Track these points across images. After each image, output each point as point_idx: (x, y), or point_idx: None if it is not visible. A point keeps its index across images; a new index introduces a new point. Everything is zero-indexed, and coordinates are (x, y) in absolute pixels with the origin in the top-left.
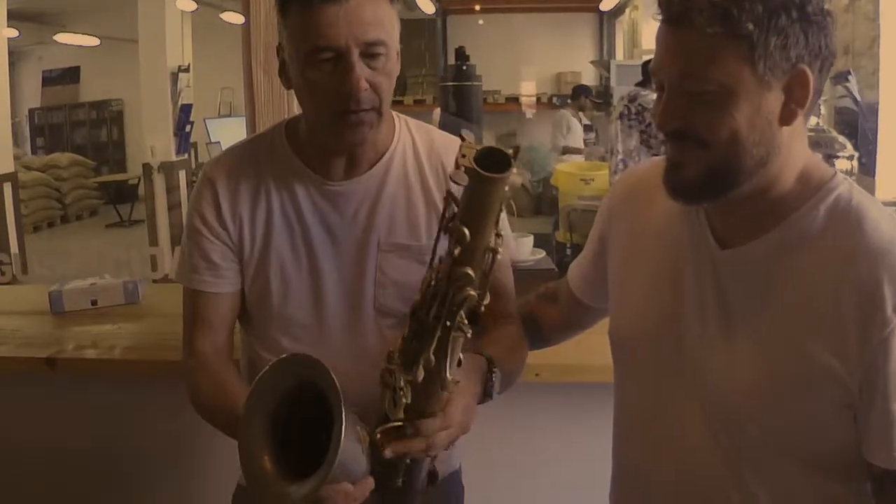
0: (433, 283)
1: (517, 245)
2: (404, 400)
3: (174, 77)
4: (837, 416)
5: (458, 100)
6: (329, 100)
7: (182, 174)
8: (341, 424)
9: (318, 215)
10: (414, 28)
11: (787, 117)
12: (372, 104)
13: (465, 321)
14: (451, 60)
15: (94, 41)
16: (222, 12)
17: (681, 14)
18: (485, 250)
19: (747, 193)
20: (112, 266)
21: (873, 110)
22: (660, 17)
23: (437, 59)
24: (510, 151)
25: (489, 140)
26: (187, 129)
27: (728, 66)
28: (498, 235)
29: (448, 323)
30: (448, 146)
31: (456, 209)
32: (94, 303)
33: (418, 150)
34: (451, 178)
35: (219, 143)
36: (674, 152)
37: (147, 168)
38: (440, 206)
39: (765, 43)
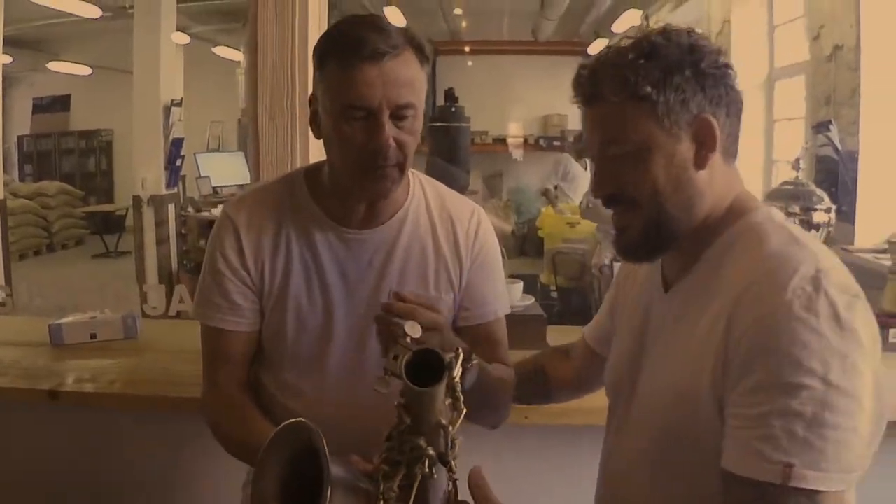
0: (398, 426)
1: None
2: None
3: (167, 110)
4: (701, 420)
5: (447, 140)
6: (358, 153)
7: (171, 208)
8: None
9: (334, 261)
10: None
11: (700, 162)
12: (397, 160)
13: (428, 469)
14: (440, 101)
15: (86, 70)
16: (215, 46)
17: (592, 93)
18: (435, 426)
19: (687, 237)
20: (101, 299)
21: (853, 159)
22: (578, 103)
23: (427, 98)
24: (448, 358)
25: (476, 181)
26: (178, 162)
27: (638, 126)
28: (456, 410)
29: (411, 467)
30: (458, 204)
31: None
32: (93, 336)
33: (430, 206)
34: (376, 380)
35: (208, 177)
36: (616, 218)
37: (137, 200)
38: (448, 261)
39: (665, 101)
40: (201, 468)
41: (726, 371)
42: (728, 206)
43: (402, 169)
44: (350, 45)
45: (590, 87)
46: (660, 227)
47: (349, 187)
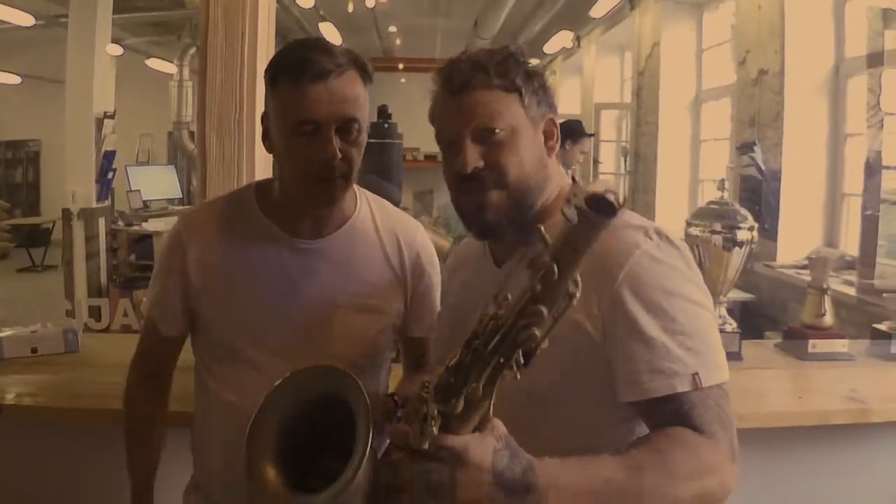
0: (498, 316)
1: None
2: (433, 429)
3: (99, 122)
4: (586, 368)
5: (379, 157)
6: (307, 164)
7: (101, 222)
8: (367, 440)
9: (283, 271)
10: None
11: (549, 150)
12: (342, 171)
13: (521, 359)
14: (374, 117)
15: (16, 79)
16: (148, 58)
17: (463, 84)
18: (564, 293)
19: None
20: (29, 312)
21: (776, 178)
22: (440, 91)
23: None
24: (618, 201)
25: (407, 197)
26: (109, 175)
27: (511, 111)
28: (576, 284)
29: (502, 359)
30: (402, 221)
31: (545, 249)
32: (33, 350)
33: (376, 220)
34: (563, 211)
35: (139, 191)
36: (474, 196)
37: (67, 213)
38: (397, 273)
39: (529, 96)
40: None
41: (606, 325)
42: (557, 195)
43: (347, 179)
44: (299, 66)
45: (461, 80)
46: (522, 202)
47: (298, 198)
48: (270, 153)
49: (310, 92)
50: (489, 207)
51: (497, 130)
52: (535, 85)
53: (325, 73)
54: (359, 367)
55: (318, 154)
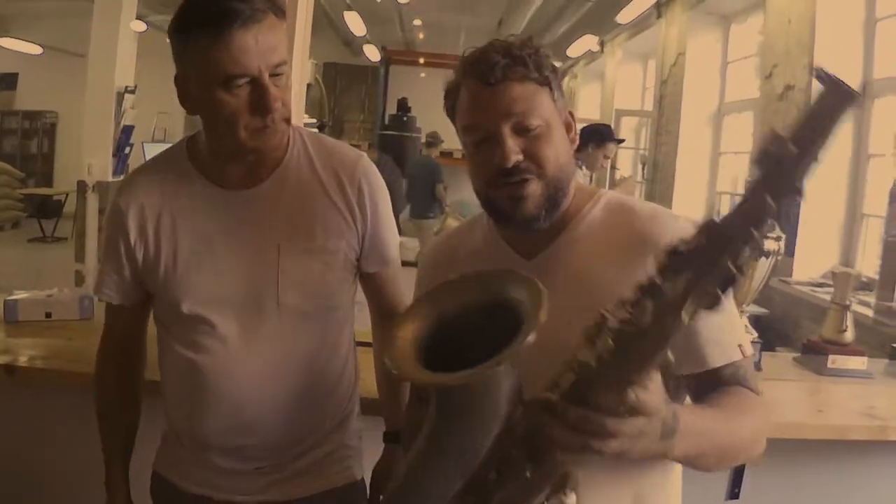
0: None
1: None
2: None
3: (119, 97)
4: None
5: (395, 149)
6: (246, 118)
7: None
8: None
9: (220, 223)
10: (357, 74)
11: (571, 142)
12: (283, 116)
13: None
14: (391, 109)
15: (37, 49)
16: None
17: (502, 77)
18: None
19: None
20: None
21: None
22: (470, 82)
23: (377, 106)
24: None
25: None
26: (126, 150)
27: (544, 105)
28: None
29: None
30: (342, 151)
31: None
32: (48, 315)
33: (312, 158)
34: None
35: None
36: (514, 188)
37: (82, 185)
38: (341, 208)
39: (556, 89)
40: (154, 448)
41: None
42: (576, 189)
43: (288, 121)
44: (219, 18)
45: (500, 74)
46: (557, 193)
47: (236, 150)
48: (194, 115)
49: (237, 43)
50: (529, 198)
51: (535, 125)
52: (558, 79)
53: (248, 21)
54: (314, 316)
55: (257, 106)
